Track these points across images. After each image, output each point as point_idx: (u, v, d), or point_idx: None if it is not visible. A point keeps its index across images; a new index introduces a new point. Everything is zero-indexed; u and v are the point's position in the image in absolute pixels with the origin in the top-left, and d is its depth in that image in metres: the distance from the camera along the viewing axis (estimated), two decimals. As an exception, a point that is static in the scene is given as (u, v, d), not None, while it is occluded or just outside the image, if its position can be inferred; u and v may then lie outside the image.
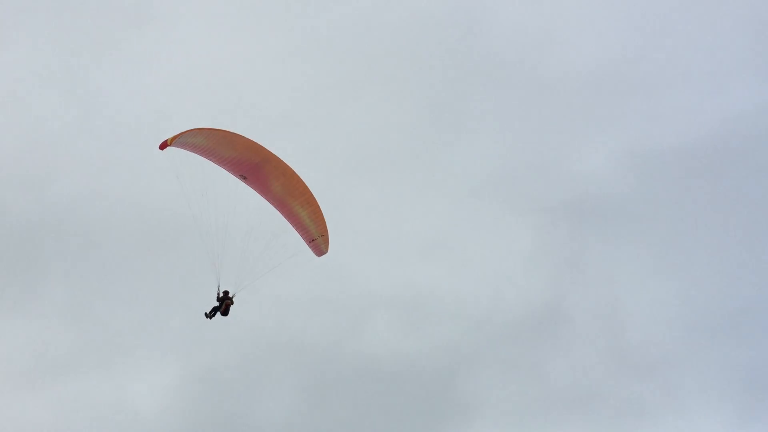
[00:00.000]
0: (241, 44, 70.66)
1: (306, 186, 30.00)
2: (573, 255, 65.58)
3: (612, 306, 63.02)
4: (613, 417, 58.44)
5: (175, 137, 27.89)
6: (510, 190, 68.48)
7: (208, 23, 71.24)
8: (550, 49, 73.84)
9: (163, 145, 28.15)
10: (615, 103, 72.20)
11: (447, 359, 59.48)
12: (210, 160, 29.51)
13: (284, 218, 30.37)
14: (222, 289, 30.77)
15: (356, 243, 62.83)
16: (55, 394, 53.63)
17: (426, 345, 59.64)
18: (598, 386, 59.64)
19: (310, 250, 31.01)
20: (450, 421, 57.92)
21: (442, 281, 63.25)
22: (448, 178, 68.91)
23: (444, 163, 69.65)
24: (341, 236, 62.02)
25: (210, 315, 30.48)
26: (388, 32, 72.78)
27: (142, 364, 55.74)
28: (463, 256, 65.38)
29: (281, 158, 29.65)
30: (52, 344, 55.07)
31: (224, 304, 30.29)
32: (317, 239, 30.44)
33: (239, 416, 54.43)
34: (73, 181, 59.58)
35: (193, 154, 29.21)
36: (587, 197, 67.35)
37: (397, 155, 69.83)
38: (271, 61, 70.58)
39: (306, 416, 55.50)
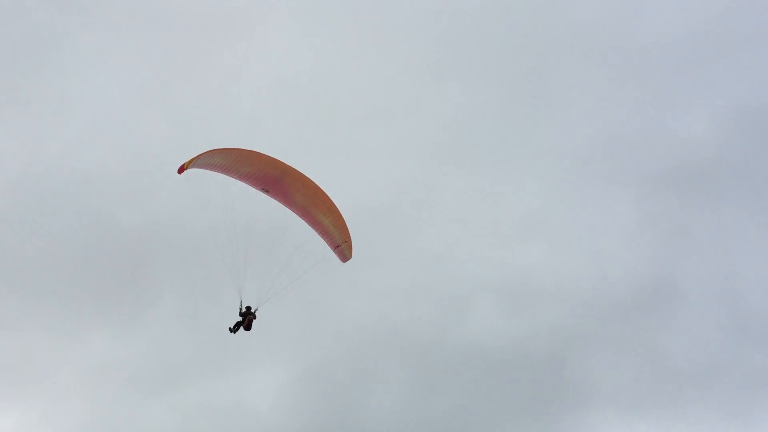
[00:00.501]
0: (326, 43, 71.50)
1: (326, 195, 30.68)
2: (681, 225, 62.72)
3: (727, 275, 60.08)
4: (737, 390, 55.99)
5: (191, 161, 28.90)
6: (610, 162, 66.14)
7: (292, 25, 72.37)
8: (641, 13, 70.44)
9: (181, 169, 29.21)
10: (714, 63, 68.21)
11: (556, 341, 58.32)
12: (232, 177, 30.45)
13: (309, 227, 31.04)
14: (245, 305, 31.76)
15: (456, 229, 62.72)
16: (178, 400, 56.30)
17: (534, 328, 58.71)
18: (718, 359, 57.14)
19: (336, 256, 31.54)
20: (565, 403, 56.88)
21: (546, 261, 62.06)
22: (545, 156, 67.42)
23: (540, 140, 68.13)
24: (440, 225, 62.14)
25: (234, 330, 31.66)
26: (473, 12, 71.70)
27: (257, 365, 57.66)
28: (566, 234, 63.85)
29: (299, 170, 30.38)
30: (171, 352, 57.72)
31: (247, 318, 31.39)
32: (341, 245, 31.03)
33: (352, 408, 55.56)
34: (176, 192, 61.79)
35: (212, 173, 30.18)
36: (692, 163, 64.21)
37: (491, 137, 68.91)
38: (358, 57, 71.15)
39: (417, 405, 55.93)
